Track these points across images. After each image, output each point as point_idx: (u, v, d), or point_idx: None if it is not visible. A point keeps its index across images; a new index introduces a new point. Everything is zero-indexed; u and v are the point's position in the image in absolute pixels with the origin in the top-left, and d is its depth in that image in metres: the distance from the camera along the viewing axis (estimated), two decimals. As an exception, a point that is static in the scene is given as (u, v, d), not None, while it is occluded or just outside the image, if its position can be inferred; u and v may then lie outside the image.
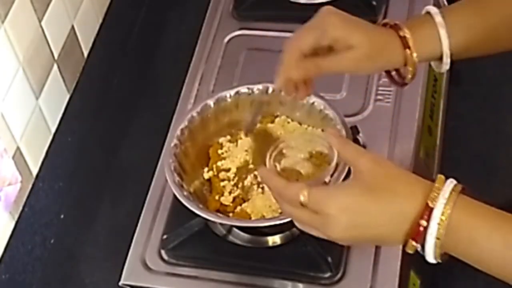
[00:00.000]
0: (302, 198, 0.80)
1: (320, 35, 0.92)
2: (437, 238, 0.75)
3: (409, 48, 0.93)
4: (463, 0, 0.96)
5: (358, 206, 0.78)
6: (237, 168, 1.09)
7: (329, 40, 0.92)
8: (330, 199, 0.79)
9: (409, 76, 0.96)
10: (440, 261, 0.79)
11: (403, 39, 0.93)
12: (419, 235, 0.76)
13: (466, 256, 0.77)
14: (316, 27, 0.93)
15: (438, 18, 0.93)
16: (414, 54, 0.93)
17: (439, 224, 0.75)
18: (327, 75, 0.94)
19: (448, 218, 0.75)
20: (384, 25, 0.96)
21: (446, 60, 0.94)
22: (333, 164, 0.90)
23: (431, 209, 0.75)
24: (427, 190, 0.76)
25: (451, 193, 0.76)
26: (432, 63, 0.99)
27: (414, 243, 0.77)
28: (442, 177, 0.78)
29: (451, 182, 0.77)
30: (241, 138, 1.12)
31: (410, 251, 0.78)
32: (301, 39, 0.93)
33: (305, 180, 0.92)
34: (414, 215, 0.76)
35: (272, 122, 1.13)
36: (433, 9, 0.94)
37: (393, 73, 0.99)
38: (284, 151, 0.96)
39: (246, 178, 1.07)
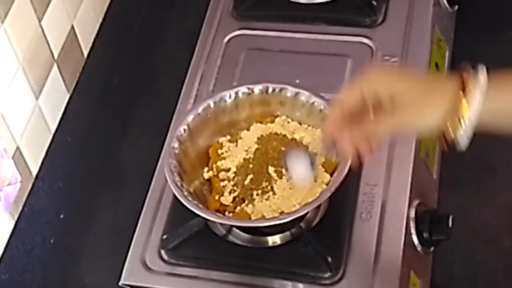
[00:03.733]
0: None
1: (366, 97, 0.87)
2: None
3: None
4: None
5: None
6: (237, 168, 1.09)
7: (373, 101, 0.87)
8: None
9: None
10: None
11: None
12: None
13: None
14: (360, 90, 0.87)
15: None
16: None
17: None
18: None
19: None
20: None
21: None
22: None
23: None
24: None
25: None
26: None
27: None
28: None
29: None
30: (241, 138, 1.12)
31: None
32: (344, 98, 0.88)
33: None
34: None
35: (272, 122, 1.13)
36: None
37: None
38: None
39: (246, 178, 1.07)
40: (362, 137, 0.87)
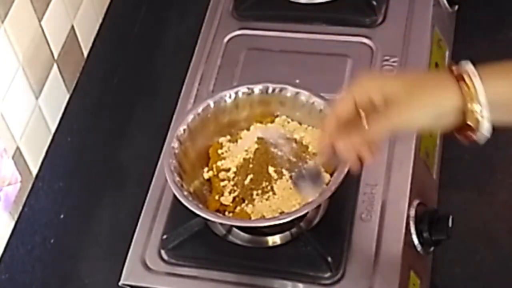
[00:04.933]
0: None
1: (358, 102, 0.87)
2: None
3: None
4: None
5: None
6: (237, 168, 1.09)
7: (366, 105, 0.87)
8: None
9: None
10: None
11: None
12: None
13: None
14: (352, 97, 0.87)
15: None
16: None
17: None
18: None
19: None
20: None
21: None
22: None
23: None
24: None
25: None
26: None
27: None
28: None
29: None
30: (241, 138, 1.12)
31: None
32: (338, 108, 0.88)
33: None
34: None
35: (272, 122, 1.13)
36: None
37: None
38: None
39: (246, 178, 1.07)
40: (361, 142, 0.86)
